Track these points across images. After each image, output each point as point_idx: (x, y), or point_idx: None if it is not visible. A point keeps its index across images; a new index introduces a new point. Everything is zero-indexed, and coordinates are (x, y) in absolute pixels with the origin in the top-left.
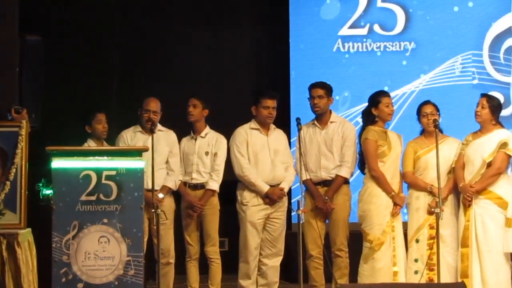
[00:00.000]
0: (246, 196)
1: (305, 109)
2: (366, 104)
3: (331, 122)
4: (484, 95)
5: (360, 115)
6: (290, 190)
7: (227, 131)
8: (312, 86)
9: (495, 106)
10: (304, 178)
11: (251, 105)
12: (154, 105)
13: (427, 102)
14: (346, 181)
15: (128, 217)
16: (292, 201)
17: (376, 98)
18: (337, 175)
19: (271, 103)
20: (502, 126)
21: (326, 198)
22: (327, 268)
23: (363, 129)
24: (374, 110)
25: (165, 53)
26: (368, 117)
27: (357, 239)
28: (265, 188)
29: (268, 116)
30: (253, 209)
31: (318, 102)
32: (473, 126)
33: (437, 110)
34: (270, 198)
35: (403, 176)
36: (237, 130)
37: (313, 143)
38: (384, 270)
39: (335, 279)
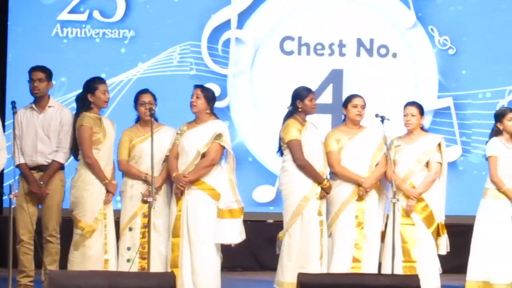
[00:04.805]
0: None
1: (22, 93)
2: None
3: (49, 106)
4: (198, 86)
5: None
6: (2, 174)
7: None
8: (32, 69)
9: (210, 97)
10: (18, 162)
11: None
12: None
13: (144, 91)
14: (61, 167)
15: None
16: (5, 185)
17: (92, 85)
18: (53, 160)
19: None
20: (217, 118)
21: (41, 183)
22: (38, 253)
23: (77, 115)
24: (90, 97)
25: None
26: (84, 103)
27: (68, 226)
28: None
29: None
30: None
31: (38, 85)
32: (189, 116)
33: (155, 99)
34: None
35: (118, 164)
36: None
37: (30, 127)
38: (95, 257)
39: (45, 265)
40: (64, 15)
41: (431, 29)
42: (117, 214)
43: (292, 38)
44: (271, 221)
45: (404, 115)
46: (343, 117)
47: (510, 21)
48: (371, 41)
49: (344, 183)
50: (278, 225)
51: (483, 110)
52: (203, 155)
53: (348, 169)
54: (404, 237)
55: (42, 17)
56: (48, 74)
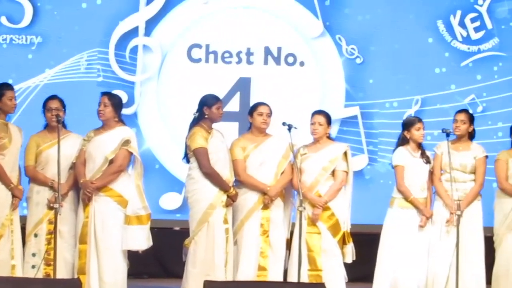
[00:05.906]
0: None
1: None
2: None
3: None
4: (105, 94)
5: None
6: None
7: None
8: None
9: (117, 104)
10: None
11: None
12: None
13: (53, 97)
14: None
15: None
16: None
17: (0, 91)
18: None
19: None
20: (124, 124)
21: None
22: None
23: None
24: None
25: None
26: None
27: None
28: None
29: None
30: None
31: None
32: (97, 122)
33: (63, 105)
34: None
35: (25, 169)
36: None
37: None
38: (2, 263)
39: None
40: None
41: (339, 38)
42: (23, 220)
43: (199, 46)
44: (177, 228)
45: (311, 124)
46: (249, 125)
47: (418, 31)
48: (279, 49)
49: (250, 191)
50: (185, 232)
51: (390, 119)
52: (111, 162)
53: (253, 177)
54: (310, 245)
55: None
56: None
